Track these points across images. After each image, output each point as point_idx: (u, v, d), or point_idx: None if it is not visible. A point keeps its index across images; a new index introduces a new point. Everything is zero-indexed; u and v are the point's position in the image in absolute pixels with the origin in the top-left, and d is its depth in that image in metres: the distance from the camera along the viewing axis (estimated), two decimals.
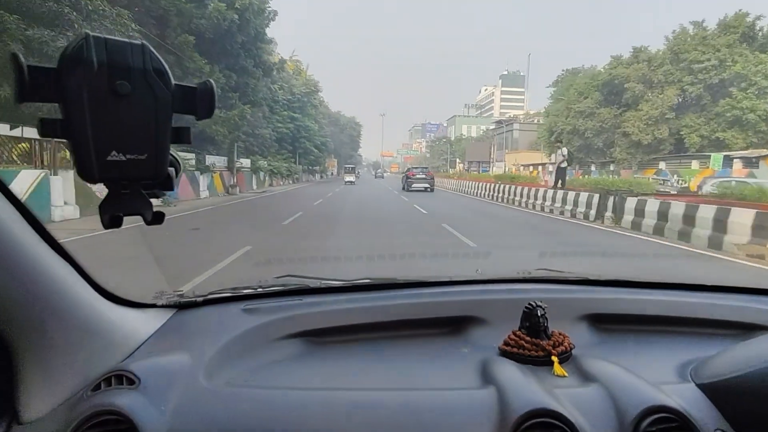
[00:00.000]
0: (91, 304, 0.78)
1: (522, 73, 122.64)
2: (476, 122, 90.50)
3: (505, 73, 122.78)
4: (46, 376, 0.71)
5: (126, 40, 0.51)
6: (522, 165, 41.43)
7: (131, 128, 0.52)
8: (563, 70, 48.57)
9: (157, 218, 0.60)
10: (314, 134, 44.85)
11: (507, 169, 41.55)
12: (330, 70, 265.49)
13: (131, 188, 0.56)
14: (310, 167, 49.21)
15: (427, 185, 24.93)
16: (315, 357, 0.94)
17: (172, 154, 0.60)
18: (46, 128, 0.50)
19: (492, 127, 56.34)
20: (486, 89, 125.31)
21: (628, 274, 1.29)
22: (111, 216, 0.57)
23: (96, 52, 0.49)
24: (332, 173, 68.58)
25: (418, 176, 25.63)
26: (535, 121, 49.58)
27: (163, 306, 1.02)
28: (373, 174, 79.22)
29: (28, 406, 0.70)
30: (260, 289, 1.13)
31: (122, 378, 0.73)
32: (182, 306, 1.04)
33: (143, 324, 0.91)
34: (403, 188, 25.60)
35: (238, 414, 0.72)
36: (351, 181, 35.21)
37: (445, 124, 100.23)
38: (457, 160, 63.70)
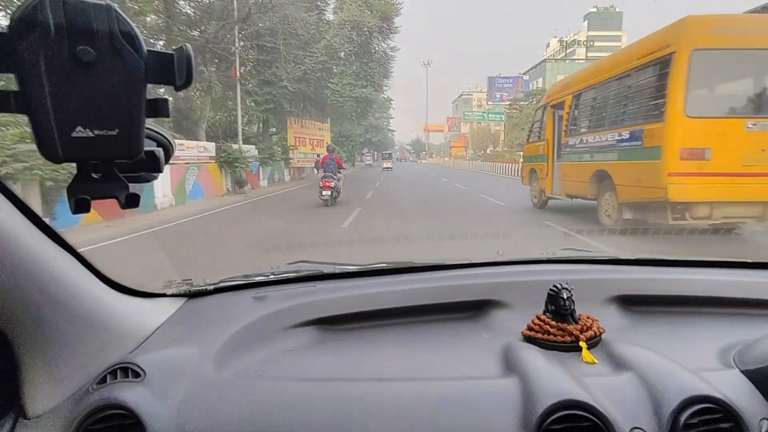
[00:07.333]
0: (95, 295, 0.76)
1: (618, 9, 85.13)
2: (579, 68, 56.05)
3: (594, 10, 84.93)
4: (50, 369, 0.69)
5: (89, 0, 0.45)
6: None
7: (98, 100, 0.46)
8: None
9: (132, 201, 0.53)
10: None
11: None
12: None
13: (105, 169, 0.50)
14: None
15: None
16: (329, 345, 0.90)
17: (157, 131, 0.53)
18: None
19: None
20: (558, 40, 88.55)
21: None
22: (77, 199, 0.50)
23: (53, 14, 0.42)
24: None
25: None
26: None
27: (172, 295, 1.00)
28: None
29: (34, 402, 0.68)
30: (272, 276, 1.10)
31: (128, 371, 0.71)
32: (192, 295, 1.02)
33: (152, 314, 0.89)
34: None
35: (247, 406, 0.69)
36: (389, 167, 37.56)
37: (526, 77, 65.44)
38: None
